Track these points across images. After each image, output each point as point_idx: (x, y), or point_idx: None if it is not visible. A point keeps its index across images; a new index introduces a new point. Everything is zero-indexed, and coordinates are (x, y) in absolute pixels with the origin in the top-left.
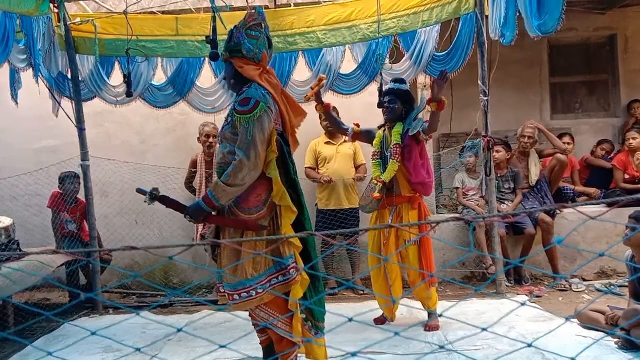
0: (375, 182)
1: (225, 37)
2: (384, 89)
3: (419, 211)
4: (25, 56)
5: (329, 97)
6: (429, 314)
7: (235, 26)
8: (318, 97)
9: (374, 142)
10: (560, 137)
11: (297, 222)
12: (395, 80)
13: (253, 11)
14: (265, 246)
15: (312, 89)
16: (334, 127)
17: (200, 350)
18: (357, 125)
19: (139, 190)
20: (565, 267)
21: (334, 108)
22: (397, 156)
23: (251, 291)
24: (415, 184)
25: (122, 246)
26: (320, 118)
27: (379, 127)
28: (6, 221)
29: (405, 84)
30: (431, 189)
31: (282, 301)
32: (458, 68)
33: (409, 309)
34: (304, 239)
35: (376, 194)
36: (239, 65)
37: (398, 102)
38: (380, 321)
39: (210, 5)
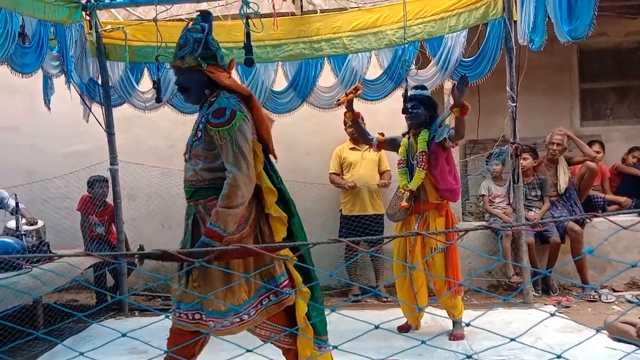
0: (403, 190)
1: (254, 43)
2: (408, 95)
3: (446, 218)
4: (57, 62)
5: (354, 103)
6: (454, 323)
7: (192, 30)
8: (349, 104)
9: (400, 150)
10: (589, 145)
11: (288, 234)
12: (416, 87)
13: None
14: (254, 265)
15: (346, 94)
16: (359, 137)
17: (224, 355)
18: (382, 135)
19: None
20: (594, 277)
21: (362, 118)
22: (424, 164)
23: (243, 315)
24: (443, 190)
25: (151, 250)
26: (345, 124)
27: (403, 135)
28: (38, 223)
29: (427, 90)
30: (458, 195)
31: (283, 315)
32: (486, 73)
33: (434, 317)
34: (296, 248)
35: (404, 203)
36: (213, 72)
37: (421, 108)
38: (404, 329)
39: (237, 13)
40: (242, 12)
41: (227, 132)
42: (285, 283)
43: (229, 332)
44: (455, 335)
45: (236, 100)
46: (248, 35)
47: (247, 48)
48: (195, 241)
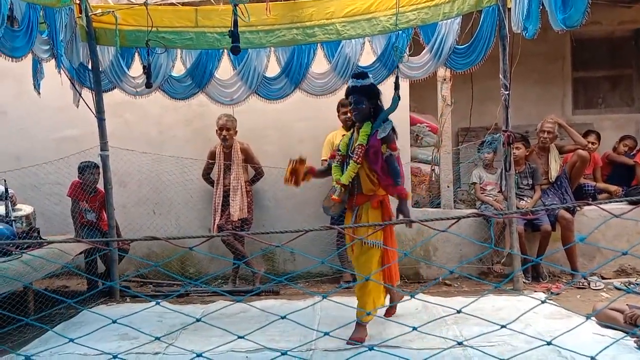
0: (335, 184)
1: (246, 29)
2: (399, 83)
3: (381, 210)
4: (47, 47)
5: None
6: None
7: None
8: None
9: (341, 144)
10: (585, 134)
11: None
12: (355, 76)
13: None
14: None
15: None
16: (322, 177)
17: (215, 340)
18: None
19: None
20: (583, 264)
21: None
22: (358, 157)
23: None
24: (385, 185)
25: (142, 236)
26: (339, 111)
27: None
28: (27, 209)
29: (368, 77)
30: (403, 190)
31: None
32: (479, 61)
33: (425, 304)
34: None
35: (335, 197)
36: None
37: (364, 100)
38: (390, 313)
39: None
40: None
41: None
42: None
43: None
44: (353, 338)
45: None
46: (235, 23)
47: (234, 36)
48: None
